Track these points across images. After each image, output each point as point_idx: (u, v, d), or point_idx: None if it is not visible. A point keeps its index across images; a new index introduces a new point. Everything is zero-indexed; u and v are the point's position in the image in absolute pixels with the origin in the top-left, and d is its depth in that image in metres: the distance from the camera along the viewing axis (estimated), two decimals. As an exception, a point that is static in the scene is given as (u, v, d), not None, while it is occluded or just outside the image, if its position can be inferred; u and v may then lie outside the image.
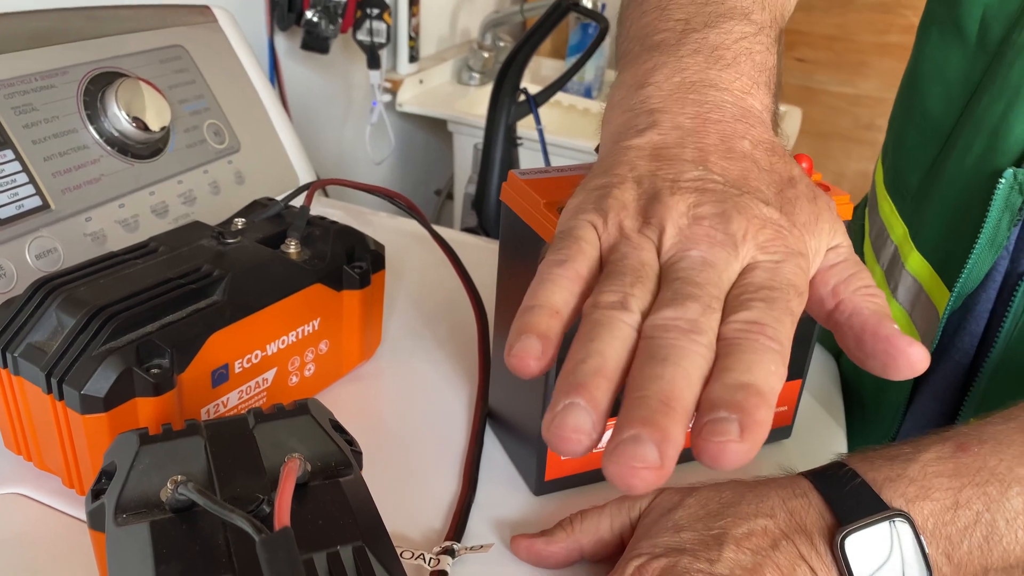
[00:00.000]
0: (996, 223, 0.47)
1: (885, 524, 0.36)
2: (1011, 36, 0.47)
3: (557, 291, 0.29)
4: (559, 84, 1.10)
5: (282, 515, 0.27)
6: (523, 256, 0.45)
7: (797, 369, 0.50)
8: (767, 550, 0.37)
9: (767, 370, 0.26)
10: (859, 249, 0.64)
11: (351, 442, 0.37)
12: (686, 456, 0.52)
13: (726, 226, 0.29)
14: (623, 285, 0.28)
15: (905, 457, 0.38)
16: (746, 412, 0.25)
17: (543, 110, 1.13)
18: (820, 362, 0.63)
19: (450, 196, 1.70)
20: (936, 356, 0.53)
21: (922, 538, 0.36)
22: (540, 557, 0.42)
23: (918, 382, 0.55)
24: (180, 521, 0.30)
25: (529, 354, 0.27)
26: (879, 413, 0.60)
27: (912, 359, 0.28)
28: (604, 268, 0.30)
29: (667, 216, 0.30)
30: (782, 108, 1.68)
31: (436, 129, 1.64)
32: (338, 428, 0.37)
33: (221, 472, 0.32)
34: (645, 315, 0.28)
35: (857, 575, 0.36)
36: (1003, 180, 0.46)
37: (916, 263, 0.54)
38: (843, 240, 0.32)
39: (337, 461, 0.34)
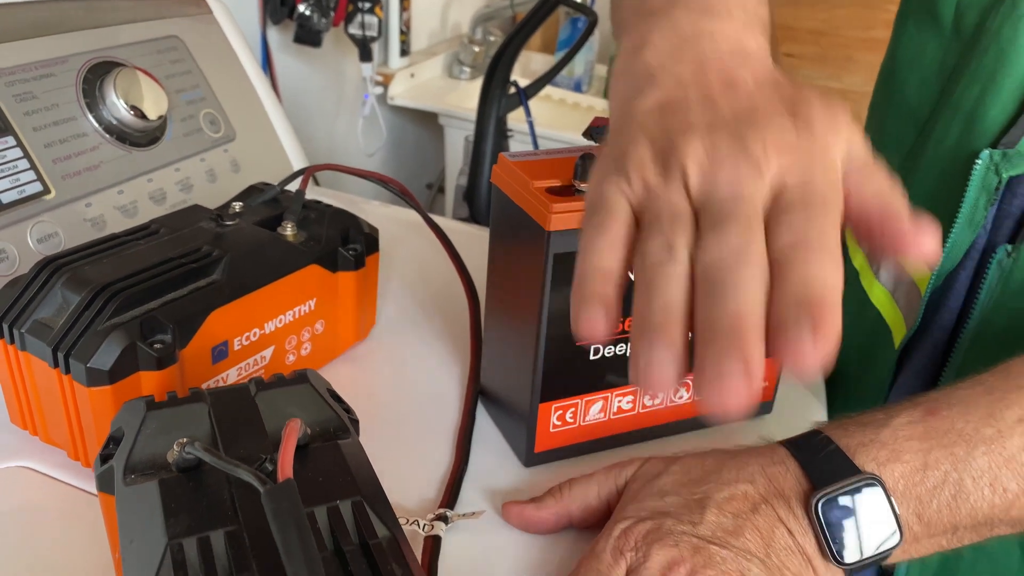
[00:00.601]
0: (974, 203, 0.49)
1: (857, 487, 0.38)
2: (985, 23, 0.49)
3: (605, 258, 0.30)
4: (549, 76, 1.11)
5: (285, 468, 0.28)
6: (514, 236, 0.46)
7: (777, 346, 0.52)
8: (747, 513, 0.39)
9: (823, 274, 0.27)
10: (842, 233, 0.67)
11: (348, 410, 0.38)
12: (672, 430, 0.54)
13: (746, 153, 0.30)
14: (664, 233, 0.29)
15: (878, 423, 0.40)
16: (815, 317, 0.26)
17: (534, 104, 1.14)
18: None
19: (441, 190, 1.72)
20: (919, 334, 0.55)
21: (893, 500, 0.38)
22: (530, 522, 0.44)
23: (902, 360, 0.57)
24: (187, 479, 0.31)
25: (597, 320, 0.29)
26: (863, 392, 0.61)
27: (924, 244, 0.29)
28: (641, 224, 0.31)
29: (686, 160, 0.31)
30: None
31: (427, 123, 1.66)
32: (336, 397, 0.39)
33: (225, 435, 0.34)
34: (692, 254, 0.29)
35: (832, 536, 0.38)
36: (980, 161, 0.48)
37: None
38: (860, 144, 0.32)
39: (335, 427, 0.36)
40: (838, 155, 0.31)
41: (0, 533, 0.42)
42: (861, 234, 0.31)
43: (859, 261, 0.61)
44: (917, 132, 0.55)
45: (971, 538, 0.40)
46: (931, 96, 0.53)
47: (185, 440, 0.32)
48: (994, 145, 0.48)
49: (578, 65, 1.69)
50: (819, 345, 0.26)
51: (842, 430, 0.41)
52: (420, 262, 0.71)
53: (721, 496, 0.40)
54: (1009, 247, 0.47)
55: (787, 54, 1.89)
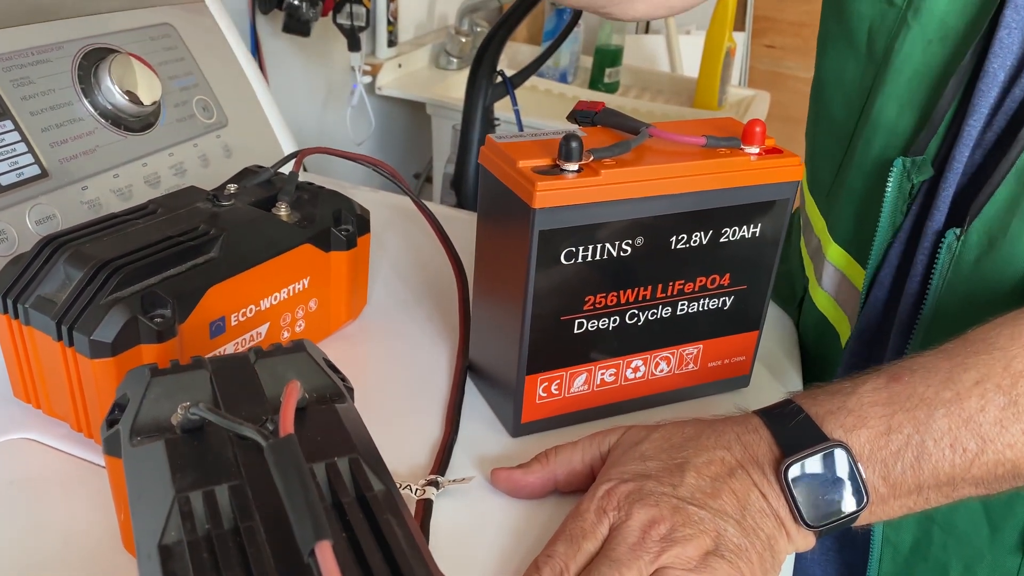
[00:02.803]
0: (893, 207, 0.52)
1: (825, 453, 0.40)
2: (894, 45, 0.52)
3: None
4: (535, 65, 1.13)
5: (286, 424, 0.30)
6: (501, 215, 0.48)
7: (753, 321, 0.54)
8: (724, 477, 0.41)
9: None
10: (796, 240, 0.69)
11: (343, 379, 0.40)
12: (652, 402, 0.56)
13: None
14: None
15: (845, 391, 0.42)
16: None
17: (520, 95, 1.16)
18: (780, 319, 0.67)
19: (428, 179, 1.73)
20: (855, 326, 0.58)
21: (859, 465, 0.40)
22: (517, 486, 0.46)
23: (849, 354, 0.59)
24: (191, 439, 0.33)
25: None
26: (821, 372, 0.64)
27: None
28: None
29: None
30: (751, 92, 1.71)
31: (415, 113, 1.67)
32: (331, 367, 0.40)
33: (226, 399, 0.35)
34: None
35: (800, 500, 0.40)
36: (894, 169, 0.51)
37: (835, 253, 0.59)
38: None
39: (332, 392, 0.37)
40: None
41: (5, 502, 0.44)
42: None
43: (809, 271, 0.64)
44: (844, 147, 0.58)
45: (938, 499, 0.42)
46: (854, 113, 0.57)
47: (188, 403, 0.34)
48: (905, 153, 0.51)
49: (563, 56, 1.71)
50: None
51: (811, 399, 0.43)
52: (409, 246, 0.73)
53: (700, 461, 0.42)
54: (957, 231, 0.49)
55: (769, 46, 1.91)
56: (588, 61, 1.77)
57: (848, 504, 0.41)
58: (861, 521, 0.42)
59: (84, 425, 0.46)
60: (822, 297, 0.62)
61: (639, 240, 0.47)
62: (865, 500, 0.40)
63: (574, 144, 0.44)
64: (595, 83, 1.73)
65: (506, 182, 0.46)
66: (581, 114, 0.52)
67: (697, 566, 0.39)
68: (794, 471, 0.40)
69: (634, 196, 0.46)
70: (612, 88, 1.73)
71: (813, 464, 0.40)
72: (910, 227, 0.53)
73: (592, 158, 0.45)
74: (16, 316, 0.45)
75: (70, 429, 0.47)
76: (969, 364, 0.41)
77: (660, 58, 2.00)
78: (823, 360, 0.64)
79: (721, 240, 0.50)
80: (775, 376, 0.60)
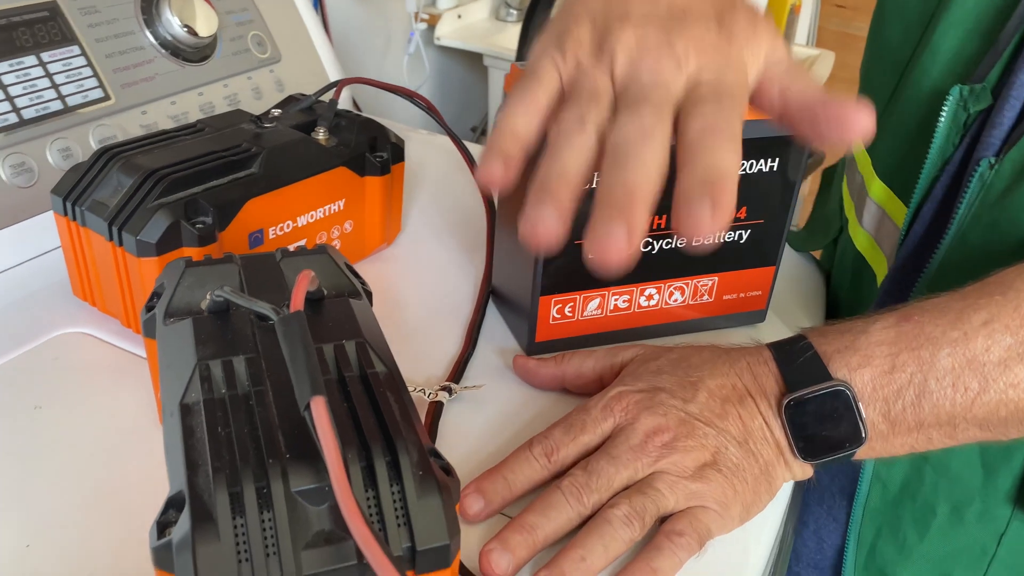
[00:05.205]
0: (945, 138, 0.50)
1: (825, 392, 0.41)
2: None
3: (518, 118, 0.34)
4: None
5: (297, 302, 0.33)
6: (522, 140, 0.50)
7: (770, 257, 0.55)
8: (734, 402, 0.43)
9: (727, 159, 0.30)
10: (838, 182, 0.68)
11: (363, 283, 0.43)
12: (665, 331, 0.57)
13: (671, 49, 0.33)
14: (579, 106, 0.33)
15: (857, 330, 0.43)
16: (714, 195, 0.29)
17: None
18: (806, 265, 0.68)
19: (484, 132, 1.76)
20: (893, 263, 0.57)
21: (859, 404, 0.41)
22: (529, 373, 0.49)
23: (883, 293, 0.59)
24: (217, 319, 0.37)
25: (494, 173, 0.33)
26: (853, 311, 0.64)
27: (861, 120, 0.32)
28: (565, 97, 0.34)
29: (617, 45, 0.34)
30: (815, 52, 1.66)
31: (473, 64, 1.69)
32: (352, 271, 0.43)
33: (252, 289, 0.39)
34: (603, 132, 0.32)
35: (798, 435, 0.42)
36: (950, 97, 0.49)
37: (877, 189, 0.58)
38: (782, 50, 0.36)
39: (349, 291, 0.40)
40: (752, 60, 0.35)
41: (64, 388, 0.48)
42: (802, 122, 0.34)
43: (849, 211, 0.64)
44: (898, 75, 0.56)
45: (941, 439, 0.42)
46: (912, 40, 0.55)
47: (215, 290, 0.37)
48: (964, 82, 0.49)
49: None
50: (716, 218, 0.29)
51: (822, 336, 0.43)
52: (448, 182, 0.75)
53: (713, 383, 0.43)
54: (992, 159, 0.47)
55: (840, 5, 1.86)
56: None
57: (846, 441, 0.41)
58: (862, 456, 0.43)
59: (133, 321, 0.50)
60: (861, 236, 0.61)
61: (655, 168, 0.49)
62: (863, 437, 0.41)
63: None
64: (655, 39, 1.72)
65: (527, 107, 0.48)
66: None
67: (692, 475, 0.41)
68: (794, 407, 0.41)
69: (650, 124, 0.47)
70: (672, 45, 1.72)
71: (813, 402, 0.41)
72: (959, 160, 0.50)
73: (610, 85, 0.47)
74: (74, 218, 0.49)
75: (121, 325, 0.51)
76: (981, 305, 0.41)
77: (725, 16, 1.96)
78: (857, 300, 0.63)
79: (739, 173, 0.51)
80: (795, 320, 0.61)
